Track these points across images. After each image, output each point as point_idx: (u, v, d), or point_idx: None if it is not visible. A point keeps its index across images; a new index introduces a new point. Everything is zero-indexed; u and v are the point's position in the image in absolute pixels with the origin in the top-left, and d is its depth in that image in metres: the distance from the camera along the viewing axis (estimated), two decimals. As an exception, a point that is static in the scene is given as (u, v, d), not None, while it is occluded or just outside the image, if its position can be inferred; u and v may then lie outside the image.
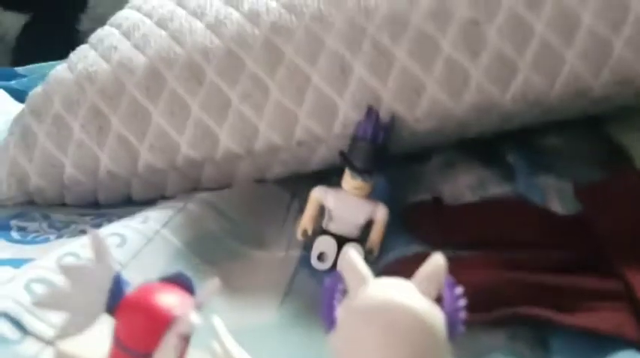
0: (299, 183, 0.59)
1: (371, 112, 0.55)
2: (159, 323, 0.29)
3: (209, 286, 0.29)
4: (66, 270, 0.31)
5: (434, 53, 0.54)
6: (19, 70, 0.89)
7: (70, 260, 0.42)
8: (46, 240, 0.56)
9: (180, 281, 0.31)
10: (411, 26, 0.54)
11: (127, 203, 0.61)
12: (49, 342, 0.41)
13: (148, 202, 0.59)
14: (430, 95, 0.54)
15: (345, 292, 0.30)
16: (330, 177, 0.57)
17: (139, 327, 0.29)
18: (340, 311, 0.29)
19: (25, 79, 0.85)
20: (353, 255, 0.29)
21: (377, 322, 0.26)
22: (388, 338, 0.26)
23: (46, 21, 1.07)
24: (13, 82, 0.85)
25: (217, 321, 0.32)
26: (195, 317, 0.28)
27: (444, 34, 0.54)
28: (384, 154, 0.54)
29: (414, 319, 0.26)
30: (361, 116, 0.55)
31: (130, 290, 0.31)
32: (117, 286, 0.31)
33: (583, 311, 0.42)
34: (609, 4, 0.52)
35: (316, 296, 0.50)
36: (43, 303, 0.31)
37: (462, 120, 0.56)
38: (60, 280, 0.40)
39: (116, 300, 0.30)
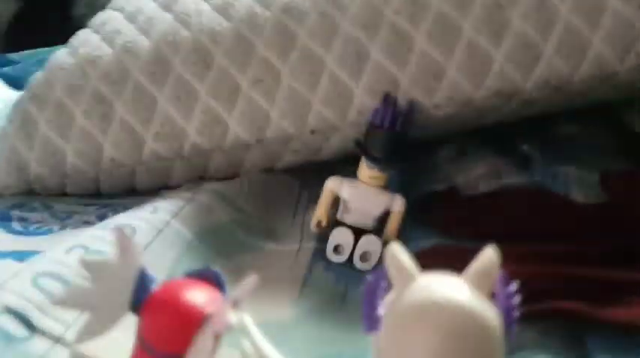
0: (307, 173, 0.57)
1: (388, 98, 0.53)
2: (190, 322, 0.27)
3: (246, 282, 0.27)
4: (88, 266, 0.29)
5: (455, 37, 0.52)
6: (13, 56, 0.86)
7: (81, 253, 0.40)
8: (49, 231, 0.54)
9: (208, 277, 0.30)
10: (432, 8, 0.52)
11: (130, 193, 0.59)
12: (59, 340, 0.39)
13: (152, 192, 0.57)
14: (450, 80, 0.52)
15: (388, 290, 0.28)
16: (338, 165, 0.55)
17: (167, 327, 0.27)
18: (386, 311, 0.27)
19: (19, 65, 0.82)
20: (398, 250, 0.27)
21: (430, 322, 0.24)
22: (442, 339, 0.24)
23: (40, 6, 1.04)
24: (6, 69, 0.82)
25: (247, 319, 0.30)
26: (231, 316, 0.25)
27: (466, 17, 0.52)
28: (404, 143, 0.52)
29: (470, 319, 0.24)
30: (377, 103, 0.53)
31: (155, 288, 0.29)
32: (142, 283, 0.29)
33: (620, 306, 0.41)
34: (635, -13, 0.51)
35: (333, 290, 0.49)
36: (63, 302, 0.29)
37: (481, 107, 0.54)
38: (73, 275, 0.38)
39: (141, 298, 0.29)
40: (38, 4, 1.04)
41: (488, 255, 0.27)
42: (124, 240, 0.29)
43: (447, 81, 0.53)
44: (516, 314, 0.27)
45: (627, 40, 0.51)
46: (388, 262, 0.27)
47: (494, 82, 0.52)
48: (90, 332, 0.29)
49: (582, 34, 0.51)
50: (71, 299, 0.29)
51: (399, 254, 0.27)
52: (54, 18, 0.99)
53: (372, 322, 0.27)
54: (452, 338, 0.24)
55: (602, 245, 0.46)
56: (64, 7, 1.02)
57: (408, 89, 0.53)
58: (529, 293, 0.42)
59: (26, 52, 0.86)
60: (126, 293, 0.28)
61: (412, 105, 0.53)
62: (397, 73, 0.53)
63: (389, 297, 0.27)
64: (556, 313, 0.41)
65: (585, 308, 0.40)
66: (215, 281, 0.30)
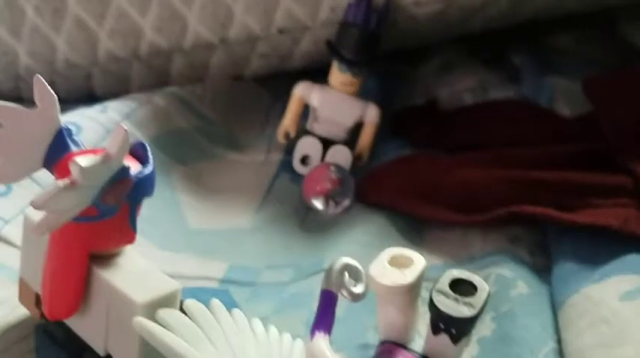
0: (282, 85, 0.53)
1: (363, -6, 0.48)
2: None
3: (117, 134, 0.24)
4: (2, 111, 0.26)
5: None
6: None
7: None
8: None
9: (134, 150, 0.28)
10: None
11: (89, 99, 0.55)
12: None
13: (113, 98, 0.53)
14: (431, -26, 0.48)
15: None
16: (317, 77, 0.51)
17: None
18: None
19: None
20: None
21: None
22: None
23: None
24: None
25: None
26: (82, 161, 0.25)
27: None
28: (378, 43, 0.48)
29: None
30: (352, -1, 0.48)
31: (74, 149, 0.27)
32: (60, 140, 0.27)
33: (586, 209, 0.38)
34: None
35: (297, 202, 0.46)
36: None
37: (466, 5, 0.49)
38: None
39: (58, 156, 0.27)
40: None
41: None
42: (43, 89, 0.26)
43: (428, -26, 0.48)
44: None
45: None
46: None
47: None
48: (1, 176, 0.27)
49: None
50: None
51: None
52: None
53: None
54: None
55: (572, 150, 0.43)
56: None
57: (386, -17, 0.48)
58: (494, 198, 0.40)
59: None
60: (40, 147, 0.27)
61: (388, 1, 0.48)
62: (374, -36, 0.48)
63: None
64: (521, 217, 0.38)
65: (551, 212, 0.38)
66: (138, 154, 0.27)
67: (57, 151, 0.27)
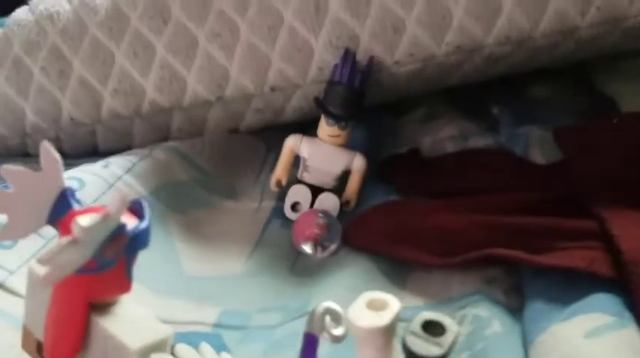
0: (275, 136, 0.56)
1: (348, 54, 0.52)
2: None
3: (116, 196, 0.27)
4: (8, 173, 0.29)
5: (414, -10, 0.51)
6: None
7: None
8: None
9: (132, 206, 0.30)
10: (391, -40, 0.51)
11: (93, 154, 0.58)
12: (0, 285, 0.39)
13: (116, 154, 0.56)
14: (410, 35, 0.52)
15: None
16: (307, 129, 0.54)
17: None
18: None
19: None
20: None
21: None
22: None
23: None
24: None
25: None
26: (84, 220, 0.27)
27: (426, -31, 0.51)
28: (362, 100, 0.51)
29: None
30: (337, 58, 0.52)
31: (77, 208, 0.30)
32: (63, 200, 0.29)
33: (555, 251, 0.40)
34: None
35: (288, 247, 0.49)
36: None
37: (443, 63, 0.53)
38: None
39: (61, 214, 0.29)
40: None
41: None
42: (48, 153, 0.29)
43: (407, 36, 0.52)
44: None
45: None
46: None
47: (455, 37, 0.51)
48: (6, 234, 0.30)
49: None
50: None
51: None
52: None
53: None
54: None
55: (544, 196, 0.45)
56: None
57: (368, 44, 0.52)
58: (470, 242, 0.42)
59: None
60: (44, 207, 0.29)
61: (371, 61, 0.52)
62: (357, 27, 0.52)
63: None
64: (498, 261, 0.41)
65: (522, 255, 0.40)
66: (136, 210, 0.30)
67: (60, 210, 0.29)
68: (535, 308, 0.38)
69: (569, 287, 0.39)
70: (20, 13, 0.58)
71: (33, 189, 0.29)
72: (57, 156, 0.30)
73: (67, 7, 0.56)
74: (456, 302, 0.41)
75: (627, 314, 0.36)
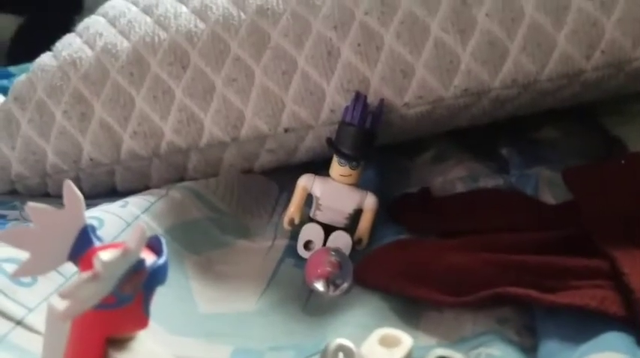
0: (288, 176, 0.58)
1: (359, 97, 0.53)
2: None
3: (135, 231, 0.28)
4: (32, 211, 0.30)
5: (423, 35, 0.53)
6: (12, 69, 0.88)
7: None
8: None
9: (150, 243, 0.31)
10: (400, 8, 0.53)
11: (111, 194, 0.60)
12: (20, 322, 0.40)
13: (133, 193, 0.58)
14: (419, 79, 0.53)
15: None
16: (319, 168, 0.55)
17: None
18: None
19: (15, 77, 0.84)
20: None
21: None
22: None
23: (41, 23, 1.06)
24: (5, 81, 0.84)
25: None
26: (104, 255, 0.28)
27: (433, 16, 0.53)
28: (373, 140, 0.53)
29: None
30: (349, 101, 0.54)
31: (97, 244, 0.31)
32: (84, 236, 0.30)
33: (566, 290, 0.40)
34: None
35: (300, 286, 0.49)
36: (5, 238, 0.30)
37: (452, 105, 0.54)
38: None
39: (82, 251, 0.30)
40: (40, 21, 1.07)
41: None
42: (71, 192, 0.30)
43: (415, 79, 0.53)
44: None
45: (592, 38, 0.52)
46: None
47: (462, 80, 0.53)
48: (27, 271, 0.31)
49: (547, 32, 0.52)
50: (12, 237, 0.30)
51: None
52: (55, 35, 1.01)
53: None
54: None
55: (554, 235, 0.46)
56: (66, 24, 1.05)
57: (379, 87, 0.54)
58: (482, 281, 0.43)
59: (26, 64, 0.88)
60: (66, 243, 0.30)
61: (381, 103, 0.53)
62: (367, 71, 0.53)
63: None
64: (510, 300, 0.41)
65: (532, 294, 0.40)
66: (154, 247, 0.31)
67: (82, 246, 0.31)
68: (548, 348, 0.39)
69: (581, 326, 0.39)
70: (44, 58, 0.61)
71: (56, 226, 0.30)
72: (79, 194, 0.31)
73: (90, 52, 0.59)
74: (469, 341, 0.41)
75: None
